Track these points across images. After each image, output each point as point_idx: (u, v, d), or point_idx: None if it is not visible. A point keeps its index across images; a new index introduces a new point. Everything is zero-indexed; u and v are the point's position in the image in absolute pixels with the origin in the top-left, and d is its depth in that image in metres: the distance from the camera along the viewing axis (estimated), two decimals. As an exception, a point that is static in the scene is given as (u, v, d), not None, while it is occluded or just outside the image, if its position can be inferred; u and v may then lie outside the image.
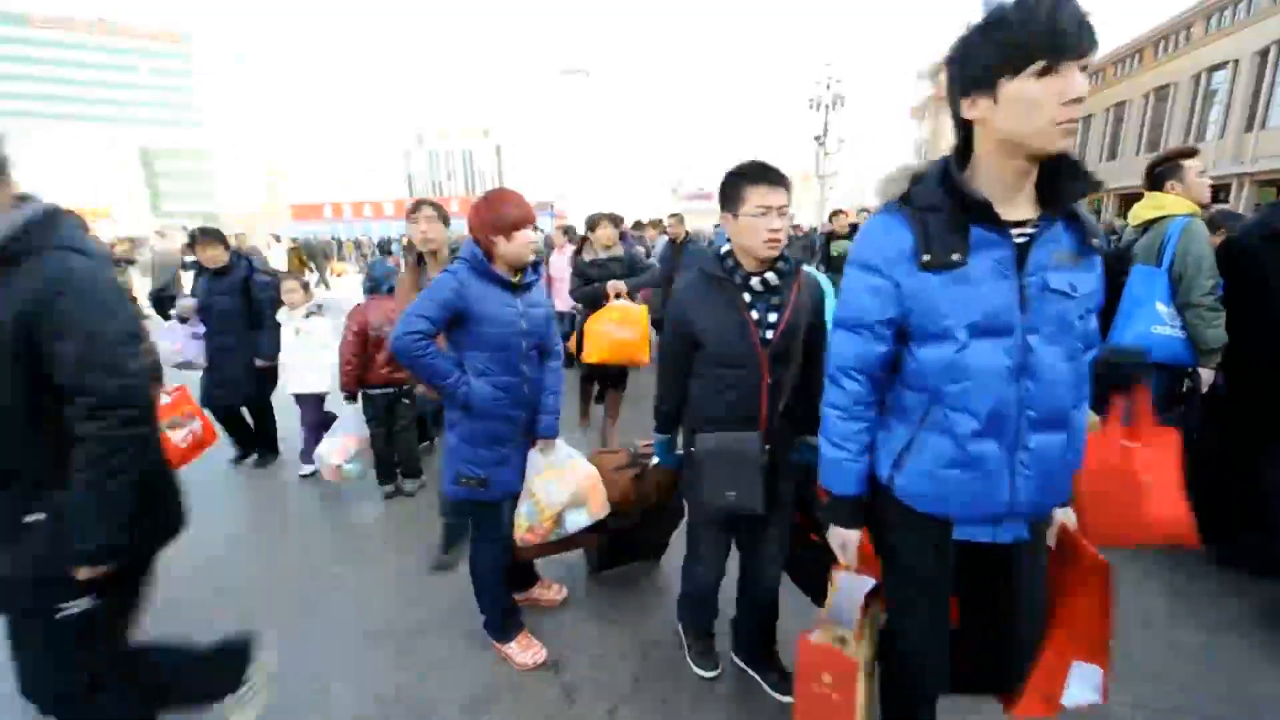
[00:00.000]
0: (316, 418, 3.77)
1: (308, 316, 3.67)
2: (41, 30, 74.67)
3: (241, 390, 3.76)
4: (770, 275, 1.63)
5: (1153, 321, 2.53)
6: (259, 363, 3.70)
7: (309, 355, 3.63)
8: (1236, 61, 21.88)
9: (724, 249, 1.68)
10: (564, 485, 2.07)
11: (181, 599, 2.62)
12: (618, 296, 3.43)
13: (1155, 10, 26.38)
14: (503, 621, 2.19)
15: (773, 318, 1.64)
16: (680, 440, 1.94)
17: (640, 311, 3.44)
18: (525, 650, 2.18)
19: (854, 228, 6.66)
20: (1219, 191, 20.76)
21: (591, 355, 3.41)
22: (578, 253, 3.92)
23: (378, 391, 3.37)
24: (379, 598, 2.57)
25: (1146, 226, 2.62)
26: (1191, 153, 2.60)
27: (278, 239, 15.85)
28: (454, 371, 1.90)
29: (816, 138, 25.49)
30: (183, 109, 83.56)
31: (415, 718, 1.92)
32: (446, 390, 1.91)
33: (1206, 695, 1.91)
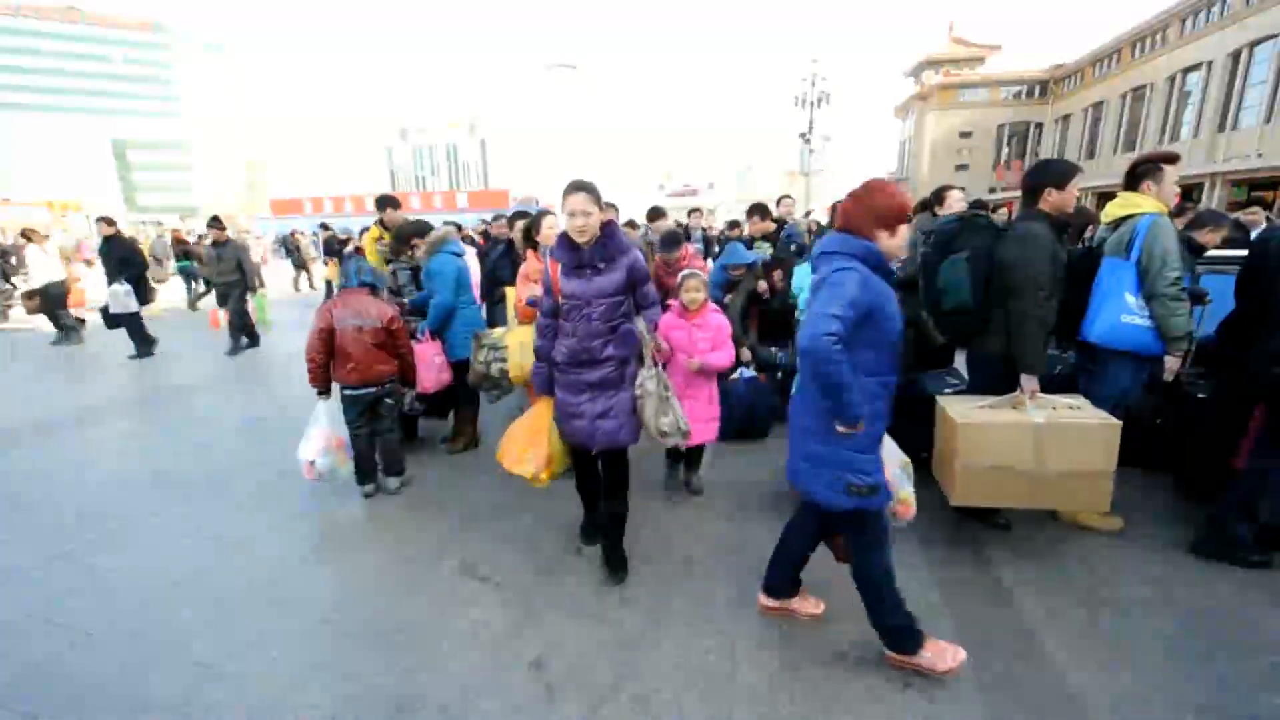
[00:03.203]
0: None
1: None
2: (9, 18, 72.30)
3: None
4: None
5: (1122, 311, 2.63)
6: None
7: None
8: (1210, 63, 22.38)
9: None
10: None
11: (160, 597, 2.58)
12: None
13: (1133, 12, 26.82)
14: (909, 629, 1.96)
15: None
16: None
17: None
18: (942, 654, 1.95)
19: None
20: (1192, 190, 21.25)
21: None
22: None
23: (359, 392, 3.33)
24: (359, 597, 2.55)
25: (1117, 224, 2.75)
26: (1174, 158, 2.72)
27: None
28: (853, 386, 1.73)
29: (802, 135, 25.55)
30: (158, 100, 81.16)
31: (396, 717, 1.91)
32: (841, 404, 1.74)
33: (1180, 681, 1.96)
